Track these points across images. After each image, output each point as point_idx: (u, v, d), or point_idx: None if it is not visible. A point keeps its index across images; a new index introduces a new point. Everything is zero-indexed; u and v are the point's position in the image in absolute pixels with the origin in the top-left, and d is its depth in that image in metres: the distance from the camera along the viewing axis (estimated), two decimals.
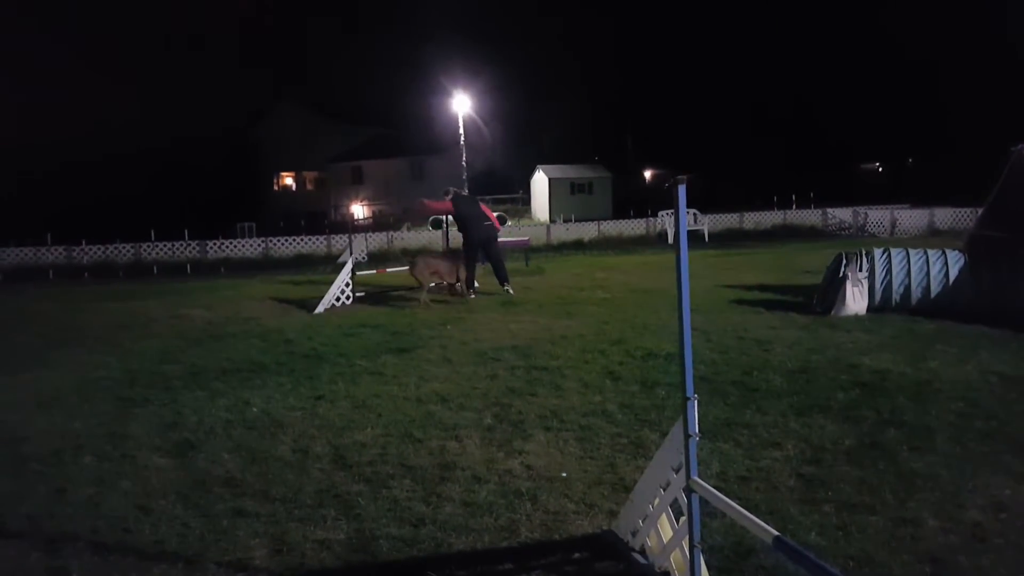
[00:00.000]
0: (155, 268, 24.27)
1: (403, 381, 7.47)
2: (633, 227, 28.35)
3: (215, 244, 25.87)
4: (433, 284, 13.32)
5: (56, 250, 24.90)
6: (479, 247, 13.53)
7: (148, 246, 25.34)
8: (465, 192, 14.49)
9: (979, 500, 4.30)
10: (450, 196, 13.74)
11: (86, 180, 43.04)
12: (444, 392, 7.00)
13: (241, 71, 60.82)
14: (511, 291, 13.61)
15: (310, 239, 26.85)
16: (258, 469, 5.24)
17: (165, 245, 25.40)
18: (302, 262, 24.41)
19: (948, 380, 6.72)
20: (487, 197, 46.08)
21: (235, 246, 26.18)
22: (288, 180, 57.75)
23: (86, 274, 23.44)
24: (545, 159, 45.05)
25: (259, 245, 26.47)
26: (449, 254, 13.86)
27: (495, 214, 14.37)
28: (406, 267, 13.67)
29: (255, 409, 6.67)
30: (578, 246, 25.86)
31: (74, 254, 24.90)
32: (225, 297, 15.36)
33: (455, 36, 66.23)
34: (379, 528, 4.25)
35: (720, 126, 51.89)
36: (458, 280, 13.19)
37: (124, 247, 25.20)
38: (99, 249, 25.04)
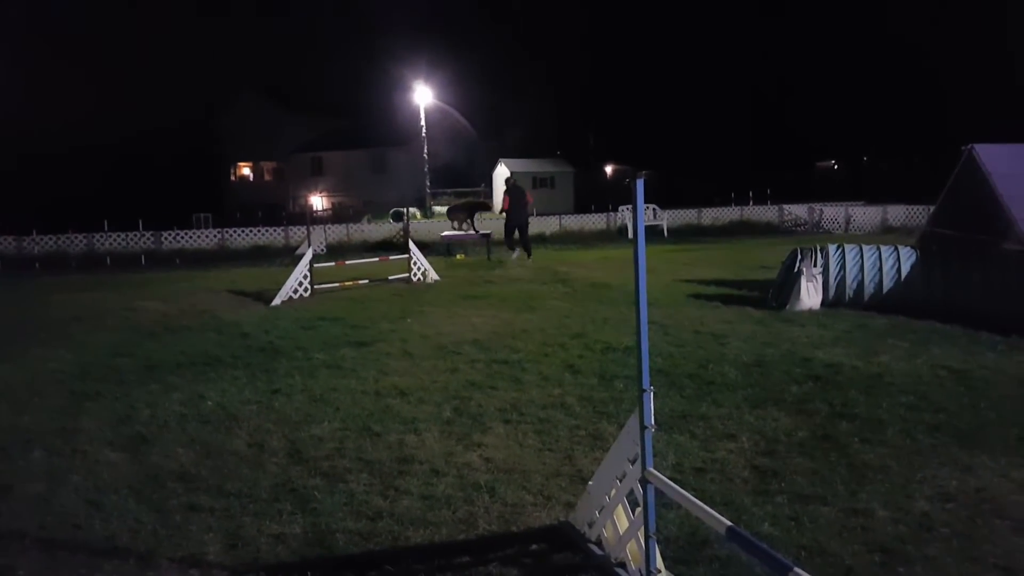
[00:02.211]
0: (108, 259, 23.73)
1: (362, 375, 7.43)
2: (594, 222, 28.44)
3: (170, 235, 25.36)
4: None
5: (5, 240, 24.24)
6: (516, 227, 18.27)
7: (101, 236, 24.76)
8: (518, 179, 21.46)
9: (927, 491, 4.41)
10: (511, 183, 19.01)
11: (39, 174, 42.01)
12: (403, 386, 6.97)
13: (200, 61, 59.81)
14: (530, 261, 17.87)
15: (267, 230, 26.46)
16: (212, 463, 5.18)
17: (119, 236, 24.84)
18: (259, 254, 24.07)
19: (899, 374, 6.87)
20: (448, 190, 45.98)
21: (190, 237, 25.69)
22: (246, 171, 56.86)
23: (37, 265, 22.87)
24: (507, 153, 45.03)
25: (215, 236, 26.01)
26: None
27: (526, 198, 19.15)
28: (368, 259, 13.78)
29: (210, 403, 6.58)
30: (540, 240, 25.75)
31: (24, 244, 24.26)
32: (180, 289, 15.10)
33: (418, 28, 65.80)
34: (336, 522, 4.22)
35: (681, 123, 52.34)
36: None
37: (76, 237, 24.61)
38: (50, 239, 24.41)
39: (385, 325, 10.06)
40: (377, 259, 16.15)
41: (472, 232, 20.46)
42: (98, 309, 12.55)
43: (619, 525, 3.69)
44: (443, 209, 38.78)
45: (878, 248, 10.52)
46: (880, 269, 10.23)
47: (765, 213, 30.00)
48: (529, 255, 18.38)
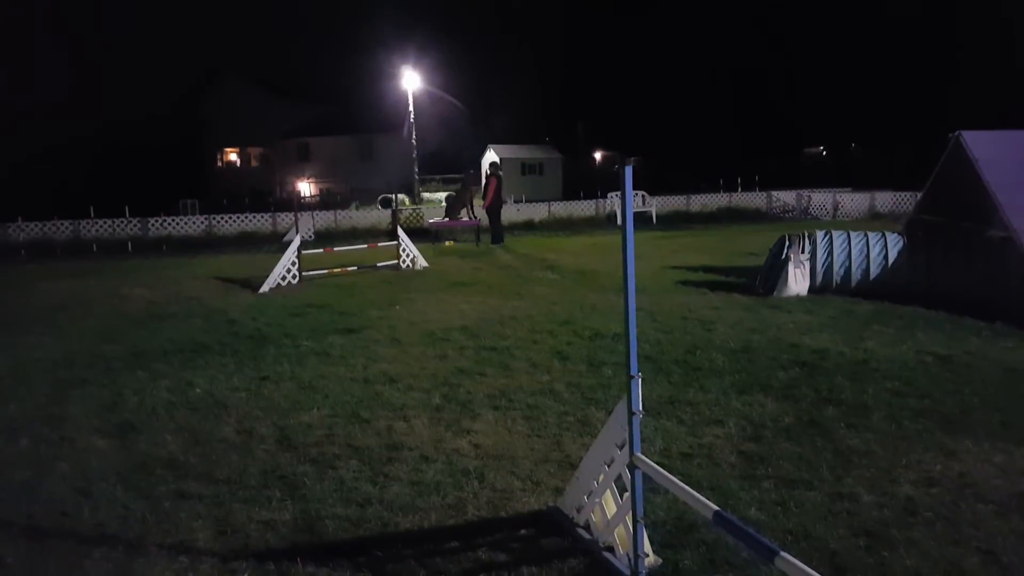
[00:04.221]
0: (95, 246, 23.54)
1: (350, 362, 7.42)
2: (583, 208, 28.41)
3: (157, 221, 25.15)
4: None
5: None
6: (497, 213, 19.67)
7: (87, 223, 24.53)
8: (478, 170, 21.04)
9: (912, 475, 4.45)
10: (498, 171, 20.15)
11: (24, 160, 41.58)
12: (392, 372, 6.98)
13: (185, 46, 59.26)
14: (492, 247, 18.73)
15: (255, 217, 26.29)
16: (201, 451, 5.17)
17: (105, 222, 24.63)
18: (246, 240, 23.97)
19: (884, 360, 6.92)
20: (436, 176, 45.84)
21: (177, 224, 25.49)
22: (232, 156, 56.50)
23: (22, 252, 22.68)
24: (496, 139, 44.88)
25: (202, 222, 25.82)
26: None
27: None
28: (356, 246, 14.29)
29: (198, 390, 6.57)
30: (528, 227, 25.79)
31: (9, 231, 24.01)
32: (167, 276, 15.04)
33: (405, 13, 65.36)
34: (325, 508, 4.23)
35: (669, 109, 52.31)
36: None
37: (62, 224, 24.37)
38: (36, 226, 24.17)
39: (374, 312, 10.05)
40: (365, 246, 16.12)
41: (468, 219, 20.42)
42: (84, 296, 12.49)
43: (607, 510, 3.72)
44: (431, 196, 38.71)
45: (865, 234, 10.58)
46: (867, 256, 10.28)
47: (753, 199, 30.04)
48: (502, 241, 19.61)
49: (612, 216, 27.14)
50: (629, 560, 3.48)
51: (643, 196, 27.84)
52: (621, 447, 3.53)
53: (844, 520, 3.95)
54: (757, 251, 13.82)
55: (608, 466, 3.70)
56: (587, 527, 3.87)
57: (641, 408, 3.36)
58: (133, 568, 3.71)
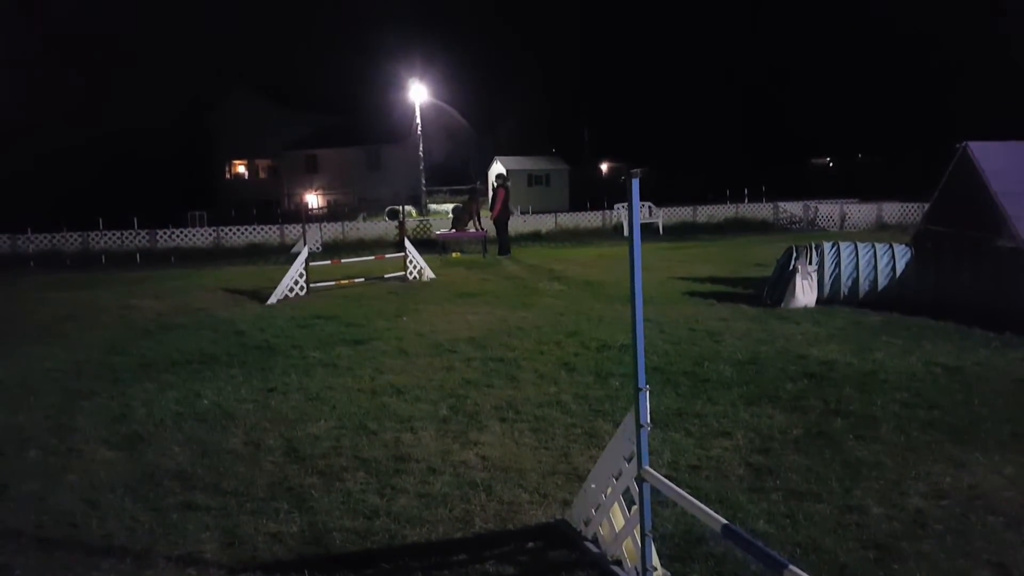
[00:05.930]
0: (103, 257, 23.64)
1: (358, 373, 7.43)
2: (589, 219, 28.42)
3: (165, 233, 25.27)
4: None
5: (0, 238, 24.16)
6: (504, 224, 19.68)
7: (96, 235, 24.67)
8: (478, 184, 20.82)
9: (921, 487, 4.43)
10: (506, 182, 20.22)
11: (33, 173, 41.82)
12: (399, 384, 6.98)
13: (193, 57, 59.64)
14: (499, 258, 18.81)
15: (263, 228, 26.39)
16: (209, 462, 5.18)
17: (114, 234, 24.76)
18: (254, 252, 24.03)
19: (893, 371, 6.90)
20: (444, 188, 45.93)
21: (186, 235, 25.61)
22: (240, 168, 56.73)
23: (32, 263, 22.80)
24: (502, 150, 44.95)
25: (210, 234, 25.93)
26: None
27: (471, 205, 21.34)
28: (364, 257, 14.25)
29: (206, 401, 6.58)
30: (535, 238, 25.81)
31: (19, 243, 24.16)
32: (175, 287, 15.08)
33: (412, 25, 65.66)
34: (332, 521, 4.23)
35: (676, 120, 52.37)
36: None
37: (71, 236, 24.50)
38: (45, 238, 24.32)
39: (381, 323, 10.06)
40: (373, 257, 16.15)
41: (475, 230, 20.45)
42: (93, 307, 12.54)
43: (615, 523, 3.71)
44: (438, 207, 38.81)
45: (873, 245, 10.55)
46: (875, 266, 10.26)
47: (760, 210, 30.01)
48: (508, 252, 19.65)
49: (619, 227, 27.15)
50: (637, 573, 3.46)
51: (650, 207, 27.84)
52: (629, 460, 3.52)
53: (853, 532, 3.93)
54: (764, 262, 13.79)
55: (616, 479, 3.69)
56: (595, 540, 3.86)
57: (649, 420, 3.36)
58: None
